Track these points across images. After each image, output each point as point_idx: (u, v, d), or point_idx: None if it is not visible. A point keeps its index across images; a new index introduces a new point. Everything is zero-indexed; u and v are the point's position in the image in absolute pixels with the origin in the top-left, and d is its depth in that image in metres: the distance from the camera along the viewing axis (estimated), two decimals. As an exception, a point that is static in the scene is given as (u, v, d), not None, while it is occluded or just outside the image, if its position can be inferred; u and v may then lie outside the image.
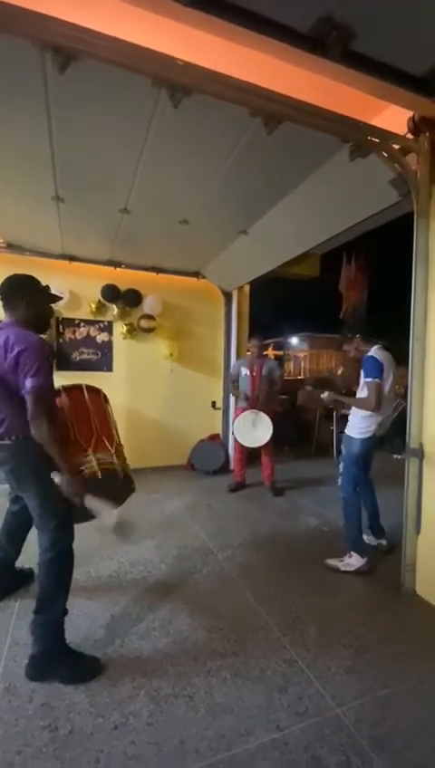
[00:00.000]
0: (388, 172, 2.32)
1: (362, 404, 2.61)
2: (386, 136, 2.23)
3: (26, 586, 2.30)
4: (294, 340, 19.42)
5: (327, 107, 2.07)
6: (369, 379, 2.55)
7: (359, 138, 2.19)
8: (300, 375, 14.05)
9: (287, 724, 1.50)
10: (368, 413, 2.59)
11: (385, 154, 2.26)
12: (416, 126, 2.23)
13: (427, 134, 2.26)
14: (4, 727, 1.46)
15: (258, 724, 1.50)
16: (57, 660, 1.70)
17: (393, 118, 2.28)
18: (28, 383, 1.61)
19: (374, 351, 2.64)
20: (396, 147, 2.26)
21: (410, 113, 2.23)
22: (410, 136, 2.29)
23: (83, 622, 2.04)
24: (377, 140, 2.21)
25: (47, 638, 1.71)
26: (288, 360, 17.70)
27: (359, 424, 2.65)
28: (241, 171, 2.57)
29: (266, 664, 1.80)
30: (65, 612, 1.76)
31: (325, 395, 2.90)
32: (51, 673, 1.68)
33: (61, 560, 1.77)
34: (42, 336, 1.86)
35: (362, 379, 2.61)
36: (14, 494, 2.14)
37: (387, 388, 2.60)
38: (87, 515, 2.16)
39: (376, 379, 2.53)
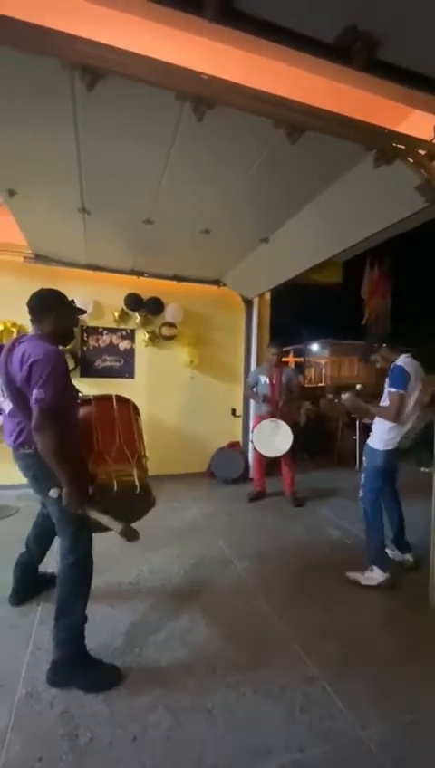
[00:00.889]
0: (414, 178, 2.27)
1: (382, 413, 2.55)
2: (412, 142, 2.19)
3: (48, 590, 2.33)
4: (314, 347, 19.20)
5: (350, 114, 2.05)
6: (393, 390, 2.49)
7: (384, 145, 2.16)
8: (321, 382, 13.87)
9: (309, 744, 1.46)
10: (393, 424, 2.53)
11: (411, 160, 2.22)
12: (443, 131, 2.19)
13: (454, 139, 2.21)
14: (27, 733, 1.47)
15: (279, 744, 1.46)
16: (77, 667, 1.71)
17: (418, 123, 2.24)
18: (34, 394, 1.63)
19: (403, 361, 2.58)
20: (422, 153, 2.22)
21: (437, 119, 2.19)
22: (435, 141, 2.25)
23: (103, 629, 2.05)
24: (402, 147, 2.18)
25: (67, 645, 1.72)
26: (309, 366, 17.51)
27: (384, 436, 2.58)
28: (264, 181, 2.58)
29: (287, 680, 1.76)
30: (85, 619, 1.78)
31: (346, 396, 2.82)
32: (71, 680, 1.69)
33: (80, 565, 1.80)
34: (62, 348, 1.90)
35: (386, 389, 2.55)
36: (41, 497, 2.19)
37: (413, 400, 2.52)
38: (102, 527, 2.18)
39: (400, 390, 2.47)
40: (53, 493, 1.71)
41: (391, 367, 2.58)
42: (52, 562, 2.40)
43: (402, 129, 2.25)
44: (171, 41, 1.71)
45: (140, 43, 1.68)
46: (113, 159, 2.40)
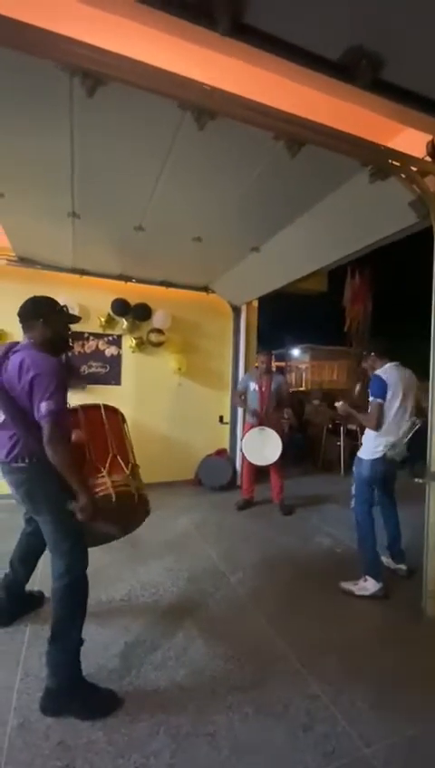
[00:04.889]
0: (407, 194, 2.32)
1: (364, 421, 2.62)
2: (406, 159, 2.23)
3: (37, 610, 2.24)
4: (296, 352, 19.43)
5: (346, 128, 2.08)
6: (371, 399, 2.55)
7: (379, 161, 2.20)
8: (302, 387, 14.01)
9: (314, 766, 1.44)
10: (376, 433, 2.57)
11: (404, 176, 2.27)
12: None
13: (445, 157, 2.27)
14: (20, 768, 1.39)
15: (285, 767, 1.43)
16: (72, 694, 1.63)
17: (410, 139, 2.29)
18: (43, 408, 1.59)
19: (383, 370, 2.62)
20: (415, 169, 2.27)
21: (429, 137, 2.25)
22: (427, 158, 2.31)
23: (97, 651, 1.97)
24: (397, 164, 2.22)
25: (62, 671, 1.65)
26: (290, 371, 17.69)
27: (368, 444, 2.62)
28: (260, 192, 2.58)
29: (289, 699, 1.74)
30: (81, 642, 1.70)
31: (340, 404, 2.85)
32: (67, 707, 1.61)
33: (76, 585, 1.72)
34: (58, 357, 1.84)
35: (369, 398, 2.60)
36: (29, 515, 2.10)
37: (394, 409, 2.54)
38: (100, 539, 2.11)
39: (378, 399, 2.53)
40: (70, 506, 1.66)
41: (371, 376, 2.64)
42: (40, 582, 2.31)
43: (394, 144, 2.31)
44: (174, 50, 1.69)
45: (141, 50, 1.65)
46: (108, 163, 2.34)
